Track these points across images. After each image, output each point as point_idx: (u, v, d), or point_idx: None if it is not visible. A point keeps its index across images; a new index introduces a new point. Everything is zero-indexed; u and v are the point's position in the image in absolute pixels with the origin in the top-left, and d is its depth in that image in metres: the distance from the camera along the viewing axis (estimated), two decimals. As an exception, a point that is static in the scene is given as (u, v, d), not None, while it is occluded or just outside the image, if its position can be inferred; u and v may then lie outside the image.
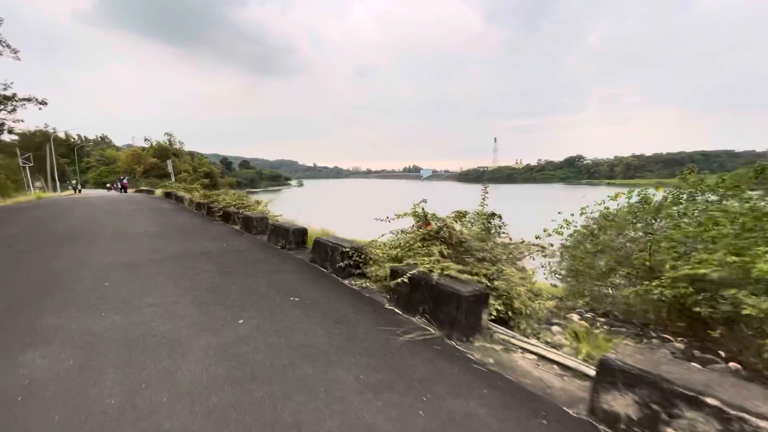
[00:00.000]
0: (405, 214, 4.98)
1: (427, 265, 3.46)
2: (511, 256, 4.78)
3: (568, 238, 8.38)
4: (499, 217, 4.97)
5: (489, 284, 3.60)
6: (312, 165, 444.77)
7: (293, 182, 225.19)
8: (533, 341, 3.12)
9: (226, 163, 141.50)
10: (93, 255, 5.99)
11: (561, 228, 8.41)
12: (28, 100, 25.07)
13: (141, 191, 31.13)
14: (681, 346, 5.04)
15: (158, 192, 21.76)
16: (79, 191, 40.70)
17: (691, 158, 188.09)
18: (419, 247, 4.19)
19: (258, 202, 11.03)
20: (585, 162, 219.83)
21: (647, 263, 5.71)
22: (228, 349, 2.76)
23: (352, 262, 4.70)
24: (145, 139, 75.58)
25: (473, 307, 3.03)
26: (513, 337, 3.10)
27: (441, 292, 3.15)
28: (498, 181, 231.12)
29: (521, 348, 2.96)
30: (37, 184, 44.28)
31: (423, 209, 4.61)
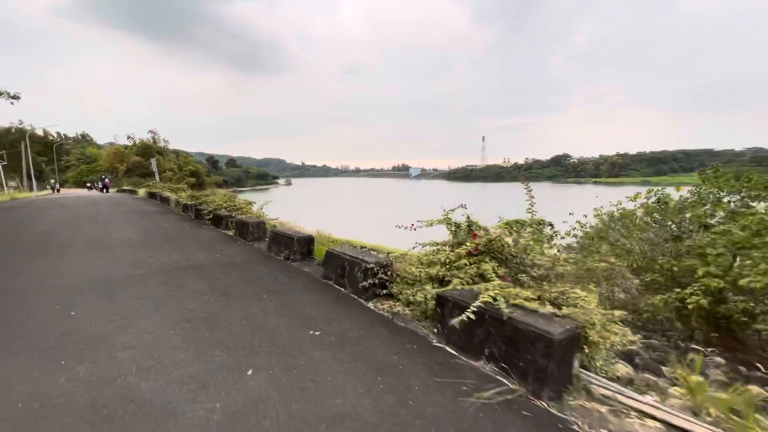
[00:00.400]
0: (437, 221, 4.22)
1: (490, 293, 2.69)
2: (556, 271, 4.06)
3: (581, 241, 7.79)
4: (551, 224, 4.24)
5: (557, 312, 2.86)
6: (300, 163, 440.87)
7: (281, 181, 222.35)
8: (641, 396, 2.37)
9: (212, 161, 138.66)
10: (62, 270, 5.05)
11: (574, 230, 7.81)
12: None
13: (123, 191, 29.68)
14: (721, 360, 4.50)
15: (141, 192, 20.50)
16: (57, 191, 38.91)
17: (673, 157, 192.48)
18: (465, 264, 3.42)
19: (251, 204, 10.11)
20: (571, 161, 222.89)
21: (674, 268, 5.14)
22: (239, 426, 1.94)
23: (377, 281, 3.90)
24: (128, 137, 73.21)
25: (565, 353, 2.28)
26: (617, 391, 2.35)
27: (518, 332, 2.38)
28: (487, 180, 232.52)
29: (632, 408, 2.22)
30: (12, 183, 42.15)
31: (468, 217, 3.86)
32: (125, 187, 30.51)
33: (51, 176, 50.40)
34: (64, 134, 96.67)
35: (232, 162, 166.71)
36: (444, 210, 4.30)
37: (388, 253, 4.81)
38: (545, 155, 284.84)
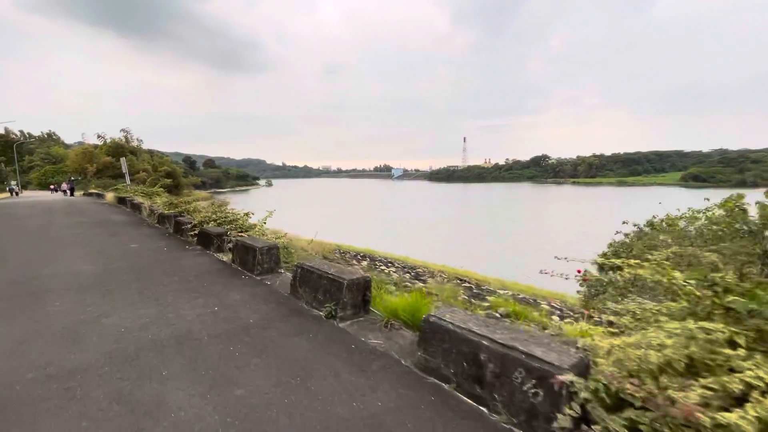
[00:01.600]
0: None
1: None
2: None
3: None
4: None
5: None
6: (281, 164, 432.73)
7: (262, 182, 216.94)
8: None
9: (189, 162, 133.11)
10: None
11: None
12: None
13: (90, 194, 26.52)
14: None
15: (109, 197, 17.68)
16: (16, 194, 35.19)
17: (646, 158, 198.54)
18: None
19: (248, 215, 7.86)
20: (550, 161, 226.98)
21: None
22: None
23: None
24: (99, 136, 68.32)
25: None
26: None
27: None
28: (468, 180, 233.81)
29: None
30: (-38, 186, 37.90)
31: None
32: (92, 190, 27.28)
33: (12, 178, 46.03)
34: (29, 133, 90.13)
35: (210, 162, 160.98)
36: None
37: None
38: (525, 156, 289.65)
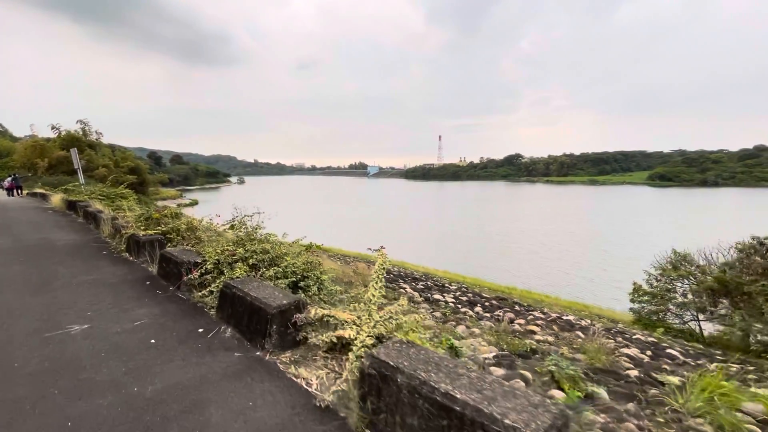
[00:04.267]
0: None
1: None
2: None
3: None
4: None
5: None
6: (252, 161, 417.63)
7: (233, 179, 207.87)
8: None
9: (154, 157, 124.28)
10: None
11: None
12: None
13: (34, 195, 21.73)
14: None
15: (56, 199, 13.39)
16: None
17: (613, 157, 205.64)
18: None
19: (318, 249, 4.51)
20: (523, 160, 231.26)
21: None
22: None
23: None
24: (53, 128, 60.77)
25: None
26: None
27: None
28: (444, 179, 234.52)
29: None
30: None
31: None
32: (36, 190, 22.42)
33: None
34: (-33, 124, 79.94)
35: (177, 159, 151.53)
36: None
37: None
38: (498, 154, 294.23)
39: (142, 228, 5.43)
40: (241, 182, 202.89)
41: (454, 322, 6.93)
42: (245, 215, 4.67)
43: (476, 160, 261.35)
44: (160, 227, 5.44)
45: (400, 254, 30.14)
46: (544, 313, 10.42)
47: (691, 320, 13.80)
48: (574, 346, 5.90)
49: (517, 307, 10.40)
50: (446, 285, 14.70)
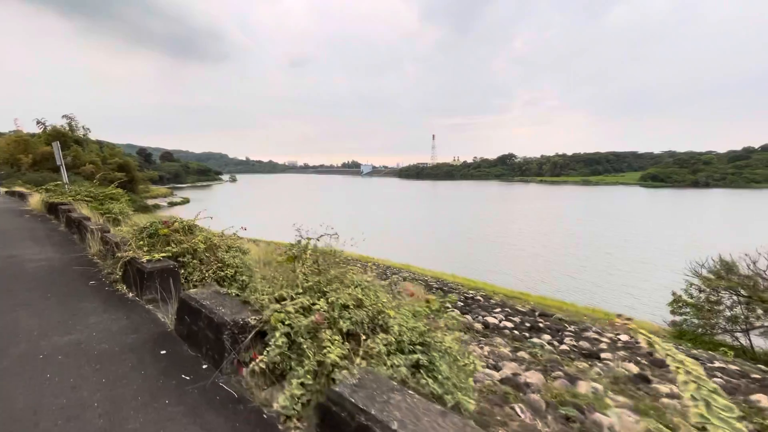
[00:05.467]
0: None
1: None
2: None
3: None
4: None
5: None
6: (244, 159, 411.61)
7: (225, 177, 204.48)
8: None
9: (144, 154, 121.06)
10: None
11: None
12: None
13: (12, 194, 19.78)
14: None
15: (35, 201, 11.60)
16: None
17: (606, 158, 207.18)
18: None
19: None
20: (517, 160, 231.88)
21: None
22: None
23: None
24: (38, 122, 57.81)
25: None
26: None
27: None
28: (438, 178, 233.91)
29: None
30: None
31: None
32: (16, 188, 20.46)
33: None
34: (-55, 117, 76.35)
35: (168, 156, 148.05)
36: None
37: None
38: (491, 154, 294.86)
39: (145, 248, 3.92)
40: (233, 180, 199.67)
41: (560, 372, 5.31)
42: (312, 237, 2.97)
43: (470, 160, 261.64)
44: (170, 247, 3.93)
45: (402, 256, 28.82)
46: (598, 333, 9.08)
47: (738, 331, 12.72)
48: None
49: (572, 327, 9.10)
50: (476, 297, 13.36)
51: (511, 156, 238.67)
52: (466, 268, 29.08)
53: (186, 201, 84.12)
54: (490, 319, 8.53)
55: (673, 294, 15.88)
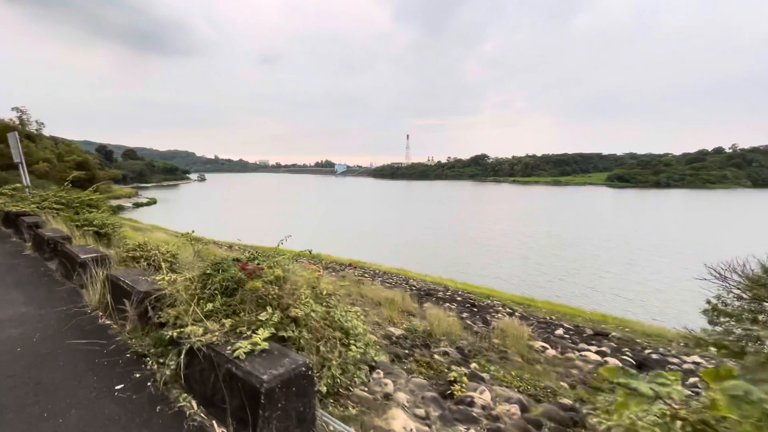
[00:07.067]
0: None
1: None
2: None
3: None
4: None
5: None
6: (213, 157, 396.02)
7: (193, 176, 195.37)
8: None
9: (105, 152, 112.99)
10: None
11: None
12: None
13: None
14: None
15: None
16: None
17: (573, 159, 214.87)
18: None
19: None
20: (489, 161, 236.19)
21: None
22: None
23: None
24: (-18, 115, 51.79)
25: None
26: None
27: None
28: (412, 178, 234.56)
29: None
30: None
31: None
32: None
33: None
34: None
35: (131, 153, 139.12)
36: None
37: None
38: (465, 154, 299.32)
39: (222, 319, 2.07)
40: (202, 179, 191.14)
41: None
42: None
43: (444, 160, 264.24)
44: (266, 314, 2.11)
45: (389, 259, 27.34)
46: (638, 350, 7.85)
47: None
48: None
49: (613, 342, 7.93)
50: (498, 305, 11.95)
51: (484, 156, 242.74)
52: (457, 272, 28.02)
53: (153, 201, 78.82)
54: (592, 355, 6.77)
55: (708, 302, 15.00)
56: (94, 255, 3.80)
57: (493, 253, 36.44)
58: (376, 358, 2.40)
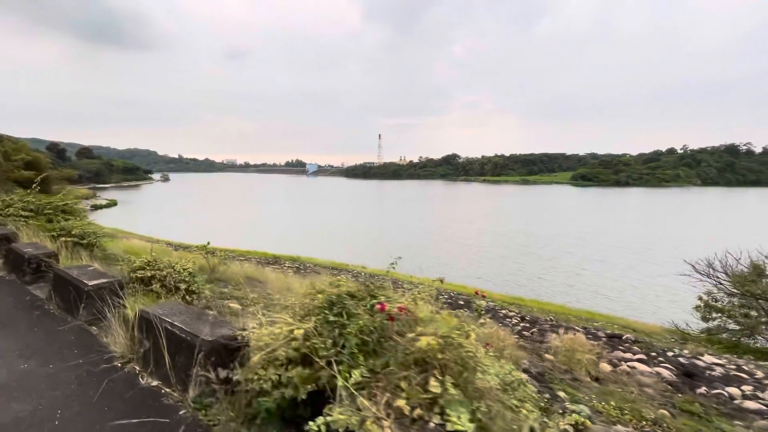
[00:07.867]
0: None
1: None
2: None
3: None
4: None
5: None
6: (177, 156, 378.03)
7: (156, 176, 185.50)
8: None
9: (56, 150, 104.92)
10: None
11: None
12: None
13: None
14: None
15: None
16: None
17: (540, 159, 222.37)
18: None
19: None
20: (460, 160, 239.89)
21: None
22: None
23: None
24: None
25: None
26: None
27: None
28: (385, 177, 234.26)
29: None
30: None
31: None
32: None
33: None
34: None
35: (86, 152, 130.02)
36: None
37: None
38: (436, 154, 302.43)
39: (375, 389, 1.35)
40: (166, 180, 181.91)
41: None
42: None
43: (416, 159, 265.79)
44: (440, 378, 1.41)
45: (365, 260, 26.69)
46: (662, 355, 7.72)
47: None
48: None
49: (633, 346, 7.74)
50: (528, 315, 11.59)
51: (455, 156, 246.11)
52: (441, 273, 27.73)
53: (113, 203, 73.79)
54: (639, 365, 6.21)
55: (699, 298, 15.35)
56: (105, 282, 2.90)
57: (473, 253, 36.44)
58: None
